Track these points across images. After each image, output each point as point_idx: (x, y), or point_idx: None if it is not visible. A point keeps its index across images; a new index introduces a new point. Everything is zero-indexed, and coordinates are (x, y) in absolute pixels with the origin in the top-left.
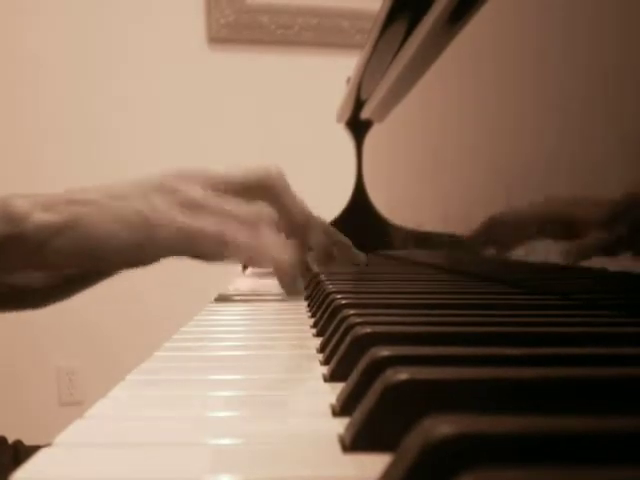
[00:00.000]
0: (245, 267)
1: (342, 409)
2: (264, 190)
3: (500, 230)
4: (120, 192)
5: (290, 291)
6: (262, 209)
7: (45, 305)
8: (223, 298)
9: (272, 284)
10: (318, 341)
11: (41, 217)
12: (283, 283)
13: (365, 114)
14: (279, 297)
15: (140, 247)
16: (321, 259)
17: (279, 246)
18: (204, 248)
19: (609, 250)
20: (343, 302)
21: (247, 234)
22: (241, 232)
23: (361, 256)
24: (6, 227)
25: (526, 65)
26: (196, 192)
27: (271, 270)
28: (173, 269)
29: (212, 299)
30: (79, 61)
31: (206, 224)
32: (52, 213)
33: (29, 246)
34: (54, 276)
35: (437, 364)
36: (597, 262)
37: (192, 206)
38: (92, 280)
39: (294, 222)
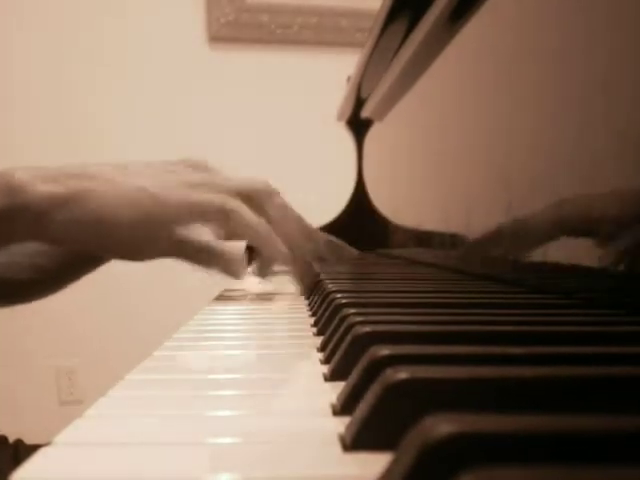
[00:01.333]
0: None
1: (342, 408)
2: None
3: (500, 229)
4: (127, 170)
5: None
6: (266, 183)
7: (33, 298)
8: (223, 297)
9: (271, 284)
10: (318, 340)
11: (44, 188)
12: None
13: (365, 113)
14: (279, 296)
15: (145, 222)
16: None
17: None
18: (208, 217)
19: (609, 249)
20: (343, 301)
21: (252, 214)
22: (247, 211)
23: (352, 251)
24: (6, 198)
25: (526, 64)
26: (201, 174)
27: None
28: (173, 268)
29: (212, 298)
30: (79, 60)
31: (213, 197)
32: (55, 184)
33: (30, 216)
34: (47, 262)
35: (437, 363)
36: (597, 261)
37: (197, 184)
38: (85, 267)
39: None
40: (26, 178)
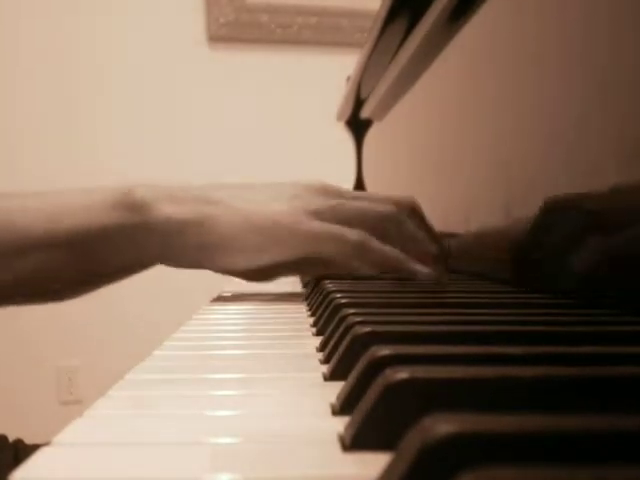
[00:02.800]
0: None
1: (342, 408)
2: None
3: (499, 229)
4: (250, 195)
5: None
6: (393, 206)
7: (79, 295)
8: (223, 297)
9: (271, 284)
10: (318, 340)
11: (170, 209)
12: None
13: (365, 113)
14: (279, 296)
15: (262, 250)
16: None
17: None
18: (329, 251)
19: (609, 249)
20: (343, 301)
21: (383, 245)
22: (378, 242)
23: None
24: (132, 216)
25: (526, 64)
26: (324, 199)
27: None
28: (173, 268)
29: (212, 298)
30: (78, 60)
31: (334, 228)
32: (180, 206)
33: (156, 238)
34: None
35: (437, 363)
36: (597, 260)
37: (320, 212)
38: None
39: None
40: (150, 197)
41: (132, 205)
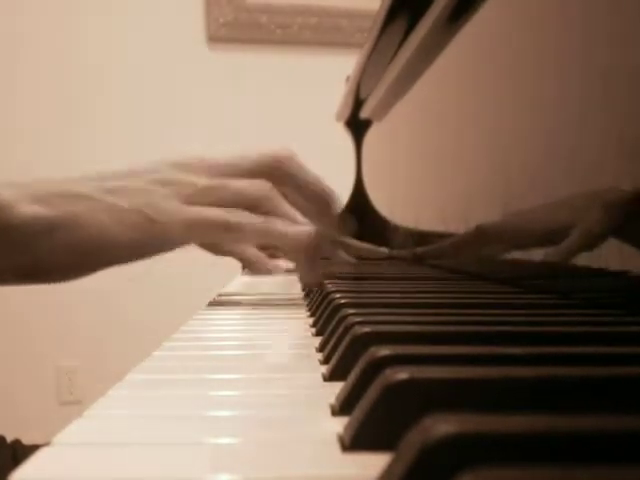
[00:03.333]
0: (244, 267)
1: (341, 408)
2: (274, 175)
3: (499, 229)
4: (117, 186)
5: (307, 275)
6: (266, 183)
7: (68, 280)
8: (222, 298)
9: (271, 284)
10: (317, 340)
11: (30, 209)
12: (298, 265)
13: (364, 113)
14: (279, 296)
15: (139, 246)
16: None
17: (289, 222)
18: (208, 237)
19: (609, 248)
20: (342, 301)
21: (253, 216)
22: (246, 215)
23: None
24: None
25: (526, 64)
26: (197, 181)
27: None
28: (172, 269)
29: (211, 300)
30: (78, 60)
31: (209, 212)
32: (43, 206)
33: (16, 239)
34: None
35: (437, 363)
36: (597, 261)
37: (193, 196)
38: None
39: (315, 201)
40: (11, 197)
41: None
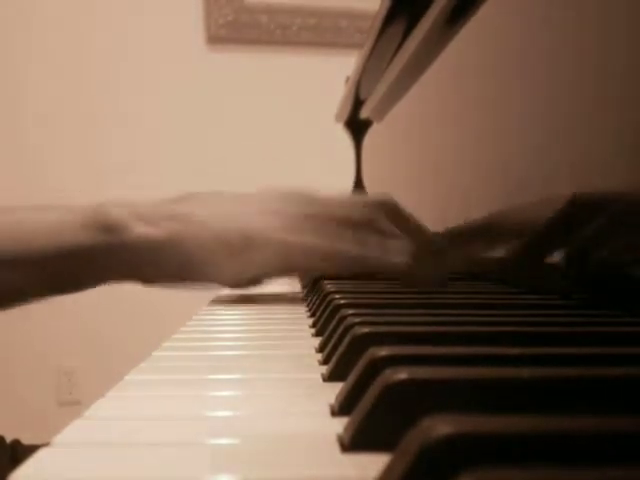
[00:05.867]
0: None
1: (341, 409)
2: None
3: (499, 229)
4: (224, 211)
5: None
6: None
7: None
8: (222, 298)
9: (270, 284)
10: (317, 341)
11: (142, 230)
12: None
13: (364, 114)
14: (278, 297)
15: (237, 270)
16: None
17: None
18: (301, 264)
19: (609, 249)
20: (342, 302)
21: (354, 242)
22: (347, 242)
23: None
24: (105, 236)
25: (526, 65)
26: (303, 211)
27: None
28: None
29: (211, 299)
30: (78, 60)
31: (308, 239)
32: (153, 227)
33: (127, 257)
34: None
35: (436, 364)
36: (597, 261)
37: (296, 224)
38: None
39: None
40: (124, 217)
41: (105, 225)
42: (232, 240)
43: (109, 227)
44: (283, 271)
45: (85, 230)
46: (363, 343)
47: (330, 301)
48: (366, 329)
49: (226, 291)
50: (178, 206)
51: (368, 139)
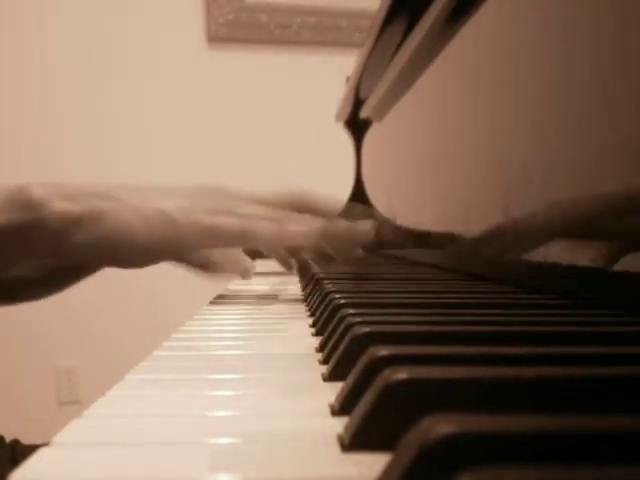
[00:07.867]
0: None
1: (341, 408)
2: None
3: (499, 229)
4: (145, 194)
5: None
6: (290, 213)
7: (39, 298)
8: (222, 298)
9: (270, 284)
10: (317, 340)
11: (61, 206)
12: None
13: (364, 113)
14: (278, 297)
15: (161, 245)
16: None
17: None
18: (224, 243)
19: (609, 249)
20: (342, 301)
21: (267, 223)
22: (262, 223)
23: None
24: (24, 214)
25: (525, 65)
26: (221, 204)
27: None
28: (172, 269)
29: (211, 299)
30: (78, 60)
31: (227, 220)
32: (73, 203)
33: (47, 234)
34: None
35: (436, 363)
36: (597, 261)
37: (217, 212)
38: (73, 279)
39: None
40: (44, 195)
41: (25, 204)
42: (154, 219)
43: (29, 205)
44: (200, 246)
45: (2, 209)
46: (363, 343)
47: (330, 301)
48: (366, 329)
49: (230, 287)
50: (100, 187)
51: (368, 139)
